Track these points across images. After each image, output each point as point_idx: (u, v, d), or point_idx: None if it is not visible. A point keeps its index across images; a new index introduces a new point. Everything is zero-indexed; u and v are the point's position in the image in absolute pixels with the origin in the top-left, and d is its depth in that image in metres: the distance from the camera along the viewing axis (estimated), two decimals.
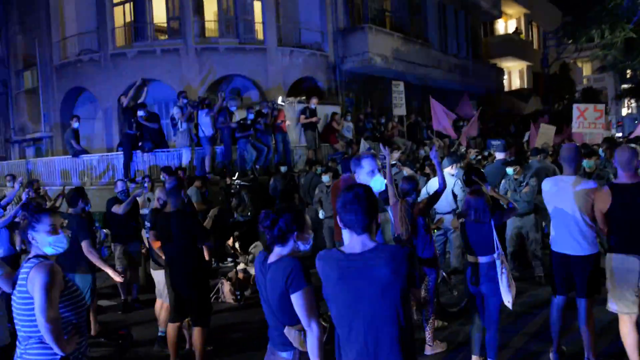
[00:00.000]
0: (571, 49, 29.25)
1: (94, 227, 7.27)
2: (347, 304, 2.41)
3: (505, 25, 30.11)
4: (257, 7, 17.50)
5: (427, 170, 8.99)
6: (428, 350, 5.01)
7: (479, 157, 11.61)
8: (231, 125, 11.73)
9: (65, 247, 3.04)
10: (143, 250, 7.55)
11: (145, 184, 9.24)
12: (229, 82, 16.72)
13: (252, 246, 8.56)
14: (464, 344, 5.06)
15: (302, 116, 13.10)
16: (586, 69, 40.57)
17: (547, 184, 4.60)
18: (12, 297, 2.92)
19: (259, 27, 17.50)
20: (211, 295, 6.77)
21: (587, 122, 12.73)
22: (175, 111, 11.80)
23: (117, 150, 13.21)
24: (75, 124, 12.40)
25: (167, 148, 12.29)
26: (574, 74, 34.50)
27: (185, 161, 11.73)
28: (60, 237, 3.00)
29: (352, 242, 2.44)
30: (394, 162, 7.26)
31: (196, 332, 4.94)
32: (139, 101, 12.29)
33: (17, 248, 6.42)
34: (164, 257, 5.20)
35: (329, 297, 2.48)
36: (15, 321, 2.92)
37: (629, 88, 28.22)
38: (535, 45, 31.05)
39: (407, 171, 7.52)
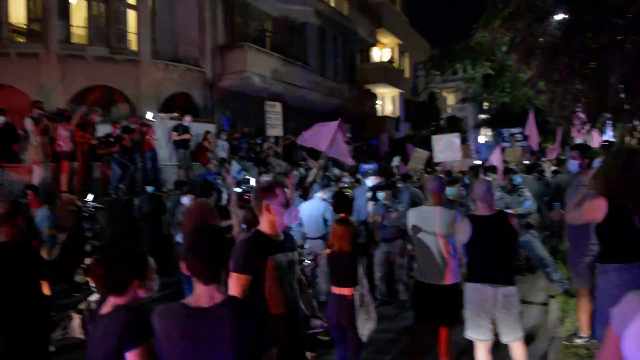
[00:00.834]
0: (438, 80, 31.58)
1: None
2: None
3: (380, 54, 31.74)
4: (132, 16, 16.58)
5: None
6: None
7: (353, 180, 11.81)
8: (92, 140, 10.75)
9: None
10: None
11: None
12: (97, 94, 15.54)
13: None
14: None
15: (174, 133, 12.43)
16: (450, 99, 44.04)
17: (412, 214, 4.69)
18: None
19: (132, 38, 16.59)
20: (56, 331, 6.03)
21: (447, 151, 13.60)
22: (27, 122, 10.53)
23: None
24: None
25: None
26: (440, 103, 37.19)
27: (36, 180, 10.47)
28: None
29: (198, 292, 2.13)
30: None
31: None
32: None
33: None
34: None
35: None
36: None
37: (486, 118, 31.01)
38: (406, 74, 33.03)
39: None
